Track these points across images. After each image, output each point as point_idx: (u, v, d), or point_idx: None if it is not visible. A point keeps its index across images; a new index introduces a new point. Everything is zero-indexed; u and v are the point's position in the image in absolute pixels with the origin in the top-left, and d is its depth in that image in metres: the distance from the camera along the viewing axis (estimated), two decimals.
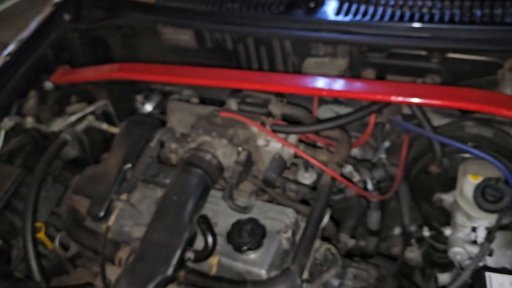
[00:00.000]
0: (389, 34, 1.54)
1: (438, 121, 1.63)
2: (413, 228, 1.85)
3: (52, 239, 1.83)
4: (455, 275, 1.81)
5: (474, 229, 1.45)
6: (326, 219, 1.48)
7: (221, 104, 1.98)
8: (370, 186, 1.58)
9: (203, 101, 2.00)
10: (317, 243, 1.43)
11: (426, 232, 1.74)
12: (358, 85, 1.52)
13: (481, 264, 1.33)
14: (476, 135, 1.57)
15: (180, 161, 1.54)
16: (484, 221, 1.38)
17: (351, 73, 1.74)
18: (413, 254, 1.87)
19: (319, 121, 1.61)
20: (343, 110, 1.81)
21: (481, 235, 1.38)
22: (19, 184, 1.75)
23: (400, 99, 1.43)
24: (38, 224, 1.71)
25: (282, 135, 1.57)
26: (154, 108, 2.05)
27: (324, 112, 1.86)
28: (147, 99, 2.03)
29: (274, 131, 1.55)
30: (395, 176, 1.74)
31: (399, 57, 1.64)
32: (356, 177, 1.65)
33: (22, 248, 1.64)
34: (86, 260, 1.72)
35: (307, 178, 1.66)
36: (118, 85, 2.27)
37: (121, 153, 1.63)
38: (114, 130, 2.04)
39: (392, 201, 1.99)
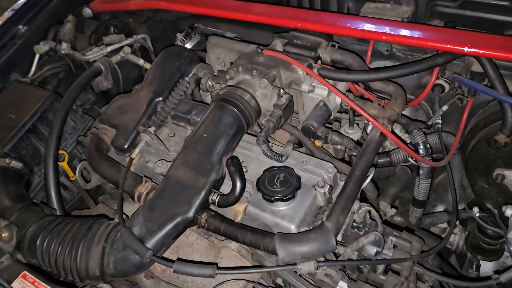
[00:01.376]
0: None
1: None
2: (460, 207, 1.66)
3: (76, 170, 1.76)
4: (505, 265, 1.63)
5: None
6: (369, 179, 1.32)
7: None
8: (422, 150, 1.40)
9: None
10: (356, 204, 1.27)
11: (476, 213, 1.56)
12: (424, 31, 1.32)
13: None
14: None
15: (215, 97, 1.40)
16: None
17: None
18: (456, 237, 1.69)
19: (373, 69, 1.42)
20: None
21: None
22: (47, 108, 1.67)
23: (474, 50, 1.22)
24: (61, 152, 1.64)
25: (330, 82, 1.40)
26: (194, 47, 1.91)
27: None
28: (187, 37, 1.89)
29: (321, 76, 1.38)
30: (450, 145, 1.55)
31: (474, 7, 1.42)
32: (407, 141, 1.47)
33: (43, 163, 1.57)
34: (108, 197, 1.64)
35: (350, 134, 1.49)
36: (159, 22, 2.15)
37: (154, 85, 1.51)
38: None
39: (437, 175, 1.81)
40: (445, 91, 1.55)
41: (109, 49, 1.84)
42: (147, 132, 1.41)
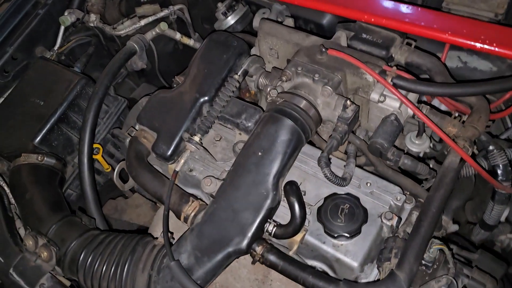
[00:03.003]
0: None
1: None
2: None
3: (110, 155, 1.64)
4: None
5: None
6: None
7: (320, 28, 1.60)
8: (501, 174, 1.23)
9: (297, 21, 1.62)
10: None
11: None
12: None
13: None
14: None
15: (270, 106, 1.22)
16: None
17: (509, 18, 1.28)
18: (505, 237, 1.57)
19: (460, 83, 1.21)
20: (476, 61, 1.39)
21: None
22: (79, 94, 1.52)
23: None
24: (96, 146, 1.51)
25: (402, 91, 1.20)
26: (238, 21, 1.69)
27: (449, 59, 1.45)
28: (230, 9, 1.66)
29: (395, 86, 1.18)
30: None
31: None
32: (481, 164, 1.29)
33: (78, 162, 1.46)
34: None
35: (417, 145, 1.32)
36: None
37: (198, 81, 1.33)
38: (188, 41, 1.73)
39: None
40: None
41: (142, 22, 1.63)
42: (193, 142, 1.26)
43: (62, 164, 1.48)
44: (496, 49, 1.10)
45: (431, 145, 1.34)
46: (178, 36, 1.69)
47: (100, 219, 1.35)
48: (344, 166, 1.23)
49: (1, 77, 1.60)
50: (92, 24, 1.65)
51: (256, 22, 1.62)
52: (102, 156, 1.56)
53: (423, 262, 1.14)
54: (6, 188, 1.40)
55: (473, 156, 1.21)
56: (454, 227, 1.44)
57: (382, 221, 1.14)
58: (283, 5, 1.65)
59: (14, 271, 1.21)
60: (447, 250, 1.14)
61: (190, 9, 1.80)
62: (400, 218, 1.15)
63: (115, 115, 1.64)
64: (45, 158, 1.41)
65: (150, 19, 1.63)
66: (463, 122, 1.21)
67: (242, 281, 1.31)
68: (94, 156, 1.50)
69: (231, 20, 1.68)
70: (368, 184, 1.21)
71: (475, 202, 1.65)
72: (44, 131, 1.46)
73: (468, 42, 1.12)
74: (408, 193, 1.25)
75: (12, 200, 1.39)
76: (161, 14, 1.65)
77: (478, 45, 1.11)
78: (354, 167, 1.23)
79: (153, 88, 1.81)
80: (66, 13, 1.65)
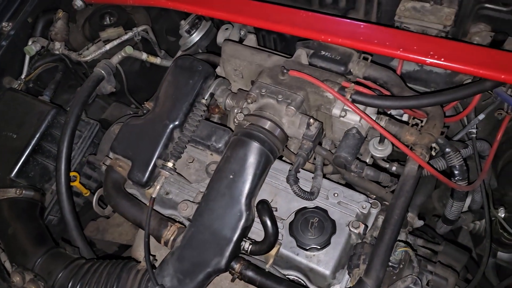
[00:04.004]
0: None
1: None
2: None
3: (88, 177, 1.68)
4: None
5: None
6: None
7: (282, 38, 1.66)
8: (458, 174, 1.32)
9: (260, 32, 1.67)
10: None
11: (501, 213, 1.53)
12: (470, 53, 1.17)
13: None
14: None
15: (238, 129, 1.28)
16: None
17: (457, 27, 1.36)
18: (475, 225, 1.68)
19: (415, 95, 1.29)
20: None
21: None
22: (51, 125, 1.54)
23: None
24: (72, 174, 1.54)
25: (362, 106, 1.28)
26: (202, 38, 1.73)
27: (406, 63, 1.52)
28: (194, 27, 1.70)
29: (354, 101, 1.26)
30: (483, 152, 1.47)
31: None
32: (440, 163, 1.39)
33: (56, 191, 1.50)
34: None
35: (380, 150, 1.40)
36: (161, 11, 1.91)
37: (167, 108, 1.37)
38: (155, 60, 1.76)
39: None
40: (484, 100, 1.43)
41: (108, 47, 1.65)
42: (166, 169, 1.31)
43: (41, 194, 1.51)
44: (444, 63, 1.18)
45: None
46: (144, 56, 1.72)
47: (84, 246, 1.40)
48: (312, 178, 1.31)
49: None
50: (57, 52, 1.66)
51: (219, 38, 1.67)
52: (80, 182, 1.59)
53: (390, 264, 1.23)
54: None
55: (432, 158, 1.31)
56: (419, 223, 1.53)
57: (350, 229, 1.22)
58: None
59: None
60: (411, 251, 1.24)
61: (153, 23, 1.83)
62: (366, 226, 1.24)
63: (89, 139, 1.67)
64: (24, 191, 1.44)
65: (115, 42, 1.65)
66: (421, 127, 1.30)
67: None
68: (72, 183, 1.54)
69: (195, 37, 1.71)
70: (335, 195, 1.28)
71: (441, 189, 1.76)
72: (19, 164, 1.49)
73: (418, 57, 1.19)
74: (374, 197, 1.34)
75: None
76: (126, 36, 1.67)
77: (428, 60, 1.18)
78: (321, 179, 1.30)
79: (124, 107, 1.83)
80: (30, 42, 1.65)
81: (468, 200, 1.74)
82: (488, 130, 1.50)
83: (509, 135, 1.44)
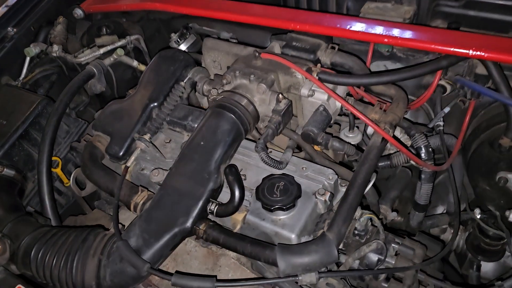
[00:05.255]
0: None
1: None
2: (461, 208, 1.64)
3: (70, 175, 1.72)
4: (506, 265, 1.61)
5: None
6: (370, 184, 1.29)
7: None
8: (424, 154, 1.37)
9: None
10: (358, 211, 1.24)
11: (477, 215, 1.54)
12: (427, 33, 1.28)
13: None
14: None
15: (211, 103, 1.36)
16: None
17: (417, 23, 1.49)
18: (457, 237, 1.67)
19: (375, 73, 1.39)
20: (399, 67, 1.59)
21: None
22: (40, 113, 1.63)
23: (479, 54, 1.19)
24: (55, 159, 1.60)
25: (329, 86, 1.37)
26: (189, 48, 1.87)
27: (376, 68, 1.64)
28: (182, 38, 1.85)
29: (321, 80, 1.35)
30: (451, 147, 1.52)
31: (479, 7, 1.39)
32: (408, 143, 1.44)
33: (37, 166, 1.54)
34: (104, 202, 1.60)
35: (351, 138, 1.46)
36: (153, 22, 2.10)
37: (148, 90, 1.47)
38: (144, 68, 1.88)
39: (438, 175, 1.78)
40: (447, 93, 1.52)
41: (101, 51, 1.79)
42: (142, 140, 1.37)
43: (22, 176, 1.55)
44: (400, 41, 1.29)
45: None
46: (135, 63, 1.85)
47: (55, 219, 1.41)
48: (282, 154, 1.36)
49: None
50: (54, 54, 1.80)
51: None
52: (61, 170, 1.64)
53: (356, 232, 1.24)
54: None
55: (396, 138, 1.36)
56: (393, 215, 1.55)
57: (316, 197, 1.24)
58: (230, 32, 1.85)
59: None
60: (377, 219, 1.24)
61: (147, 42, 1.99)
62: (332, 194, 1.26)
63: (76, 135, 1.74)
64: (5, 169, 1.49)
65: (109, 47, 1.79)
66: (385, 110, 1.37)
67: (193, 271, 1.37)
68: (53, 169, 1.58)
69: (183, 47, 1.86)
70: (304, 169, 1.33)
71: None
72: (6, 146, 1.55)
73: (386, 39, 1.30)
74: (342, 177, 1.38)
75: None
76: (119, 43, 1.82)
77: (386, 39, 1.29)
78: (290, 155, 1.35)
79: None
80: (31, 46, 1.80)
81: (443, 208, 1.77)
82: (455, 125, 1.56)
83: (475, 127, 1.50)
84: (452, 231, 1.65)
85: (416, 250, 1.23)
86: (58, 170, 1.62)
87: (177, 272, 1.14)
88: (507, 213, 1.32)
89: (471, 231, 1.64)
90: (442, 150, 1.47)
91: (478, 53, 1.18)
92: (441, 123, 1.50)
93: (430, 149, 1.38)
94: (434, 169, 1.38)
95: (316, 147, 1.47)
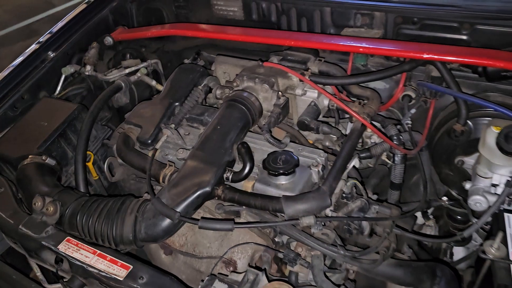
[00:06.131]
0: (423, 2, 1.71)
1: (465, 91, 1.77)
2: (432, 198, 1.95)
3: (99, 169, 2.00)
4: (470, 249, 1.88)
5: (494, 186, 1.56)
6: (353, 163, 1.61)
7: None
8: (396, 140, 1.71)
9: None
10: (345, 177, 1.55)
11: (445, 201, 1.84)
12: (391, 44, 1.68)
13: None
14: (501, 103, 1.68)
15: (225, 98, 1.70)
16: (505, 169, 1.49)
17: None
18: (431, 229, 1.96)
19: (353, 75, 1.76)
20: (372, 82, 1.96)
21: (502, 181, 1.49)
22: (75, 117, 1.93)
23: (430, 56, 1.57)
24: (88, 153, 1.88)
25: (320, 87, 1.72)
26: None
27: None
28: (194, 61, 2.22)
29: (312, 81, 1.71)
30: (418, 142, 1.86)
31: (431, 28, 1.79)
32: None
33: (71, 173, 1.82)
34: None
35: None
36: (166, 53, 2.48)
37: (172, 93, 1.81)
38: (161, 87, 2.23)
39: (411, 177, 2.10)
40: (413, 99, 1.88)
41: (127, 71, 2.14)
42: (168, 127, 1.68)
43: (60, 167, 1.82)
44: (372, 50, 1.67)
45: None
46: (153, 83, 2.20)
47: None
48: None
49: (11, 111, 2.00)
50: (87, 73, 2.14)
51: (213, 67, 2.18)
52: (92, 164, 1.92)
53: (344, 195, 1.53)
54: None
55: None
56: (374, 197, 1.84)
57: (311, 168, 1.55)
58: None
59: (23, 226, 1.48)
60: (360, 185, 1.55)
61: (164, 68, 2.35)
62: (324, 166, 1.57)
63: (102, 140, 2.04)
64: (48, 159, 1.76)
65: (133, 68, 2.15)
66: (363, 106, 1.73)
67: (208, 238, 1.63)
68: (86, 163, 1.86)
69: None
70: (300, 150, 1.64)
71: None
72: (47, 142, 1.83)
73: (360, 49, 1.68)
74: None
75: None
76: (141, 65, 2.17)
77: (361, 49, 1.67)
78: (289, 140, 1.67)
79: None
80: (67, 66, 2.14)
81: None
82: (421, 122, 1.91)
83: (436, 124, 1.85)
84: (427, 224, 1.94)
85: (392, 210, 1.53)
86: (89, 164, 1.90)
87: (202, 217, 1.41)
88: (463, 183, 1.63)
89: (442, 219, 1.94)
90: (411, 143, 1.81)
91: (430, 55, 1.57)
92: (409, 122, 1.85)
93: (400, 136, 1.72)
94: (404, 152, 1.71)
95: (310, 141, 1.80)
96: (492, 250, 1.25)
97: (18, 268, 1.56)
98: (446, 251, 1.97)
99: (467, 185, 1.61)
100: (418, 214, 1.99)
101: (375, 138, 1.78)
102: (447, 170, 1.83)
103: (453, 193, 1.90)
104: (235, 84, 1.76)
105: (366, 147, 1.82)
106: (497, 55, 1.54)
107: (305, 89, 1.74)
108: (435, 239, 1.56)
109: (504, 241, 1.30)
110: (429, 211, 1.99)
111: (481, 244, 1.30)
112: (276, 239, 1.58)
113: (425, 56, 1.58)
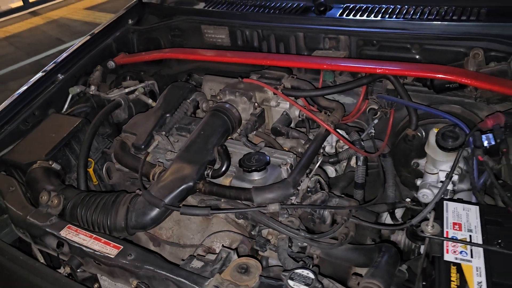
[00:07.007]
0: (379, 27, 1.99)
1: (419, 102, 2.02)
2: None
3: (99, 177, 2.24)
4: None
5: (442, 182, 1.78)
6: (318, 163, 1.84)
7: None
8: (357, 145, 1.95)
9: None
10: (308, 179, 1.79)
11: (408, 203, 2.06)
12: (353, 61, 1.95)
13: None
14: (448, 111, 1.93)
15: (209, 109, 1.97)
16: (446, 164, 1.72)
17: None
18: (400, 236, 2.16)
19: (319, 88, 2.03)
20: (343, 98, 2.23)
21: (443, 175, 1.72)
22: (79, 129, 2.20)
23: (383, 69, 1.84)
24: (89, 160, 2.13)
25: (291, 99, 1.99)
26: None
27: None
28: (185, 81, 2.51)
29: (283, 94, 1.97)
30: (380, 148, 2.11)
31: (388, 49, 2.07)
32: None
33: (74, 179, 2.06)
34: None
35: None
36: (163, 77, 2.77)
37: (164, 105, 2.08)
38: None
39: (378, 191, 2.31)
40: (376, 112, 2.13)
41: (126, 90, 2.42)
42: (159, 134, 1.94)
43: (64, 172, 2.07)
44: (337, 66, 1.95)
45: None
46: (150, 101, 2.47)
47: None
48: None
49: (23, 125, 2.26)
50: (91, 92, 2.42)
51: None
52: (93, 171, 2.17)
53: (308, 189, 1.76)
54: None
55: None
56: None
57: (281, 167, 1.79)
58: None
59: (30, 217, 1.72)
60: (322, 180, 1.78)
61: (160, 90, 2.64)
62: (292, 165, 1.81)
63: (102, 150, 2.30)
64: (54, 163, 2.01)
65: (132, 88, 2.43)
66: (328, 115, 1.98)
67: (192, 231, 1.85)
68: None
69: None
70: (272, 152, 1.88)
71: None
72: (54, 150, 2.09)
73: (324, 66, 1.96)
74: None
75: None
76: (139, 85, 2.45)
77: (325, 66, 1.95)
78: (263, 144, 1.92)
79: None
80: (74, 86, 2.43)
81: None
82: (384, 130, 2.15)
83: (397, 131, 2.10)
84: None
85: (351, 201, 1.75)
86: (90, 170, 2.15)
87: (183, 205, 1.64)
88: (415, 180, 1.86)
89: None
90: (374, 149, 2.06)
91: (383, 68, 1.83)
92: (373, 130, 2.10)
93: (362, 142, 1.96)
94: (365, 155, 1.95)
95: (285, 148, 2.05)
96: (428, 228, 1.46)
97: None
98: (415, 251, 2.16)
99: (418, 182, 1.84)
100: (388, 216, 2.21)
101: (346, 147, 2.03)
102: (405, 172, 2.06)
103: (414, 193, 2.12)
104: (218, 97, 2.04)
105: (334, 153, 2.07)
106: (438, 68, 1.80)
107: (278, 101, 2.00)
108: (388, 227, 1.77)
109: (442, 223, 1.51)
110: (399, 213, 2.20)
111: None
112: (253, 233, 1.80)
113: (378, 70, 1.85)
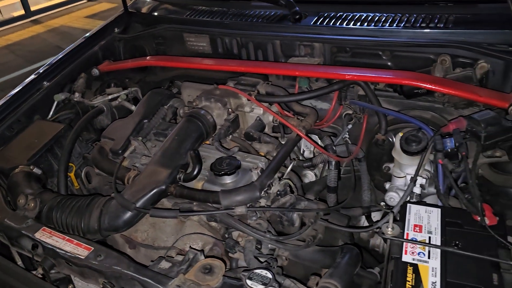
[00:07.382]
0: (351, 34, 2.05)
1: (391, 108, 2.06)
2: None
3: (82, 182, 2.30)
4: None
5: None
6: (289, 168, 1.89)
7: None
8: (330, 149, 1.99)
9: None
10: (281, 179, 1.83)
11: (382, 205, 2.10)
12: (324, 68, 2.00)
13: None
14: (419, 116, 1.97)
15: (184, 114, 2.02)
16: (410, 168, 1.76)
17: None
18: (378, 240, 2.20)
19: (291, 94, 2.08)
20: (320, 104, 2.28)
21: (408, 178, 1.76)
22: (62, 135, 2.25)
23: (351, 76, 1.89)
24: (70, 165, 2.19)
25: (265, 105, 2.04)
26: None
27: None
28: (168, 88, 2.56)
29: (257, 99, 2.02)
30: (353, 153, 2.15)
31: (361, 56, 2.12)
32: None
33: (56, 184, 2.12)
34: None
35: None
36: (147, 83, 2.83)
37: (142, 111, 2.14)
38: None
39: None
40: (352, 121, 2.18)
41: (110, 97, 2.48)
42: (136, 139, 2.00)
43: (46, 177, 2.13)
44: (310, 73, 2.00)
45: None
46: (133, 108, 2.52)
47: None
48: None
49: (8, 131, 2.32)
50: (76, 99, 2.48)
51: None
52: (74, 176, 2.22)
53: (278, 192, 1.80)
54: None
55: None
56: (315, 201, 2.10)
57: (251, 171, 1.83)
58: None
59: (7, 219, 1.77)
60: (291, 183, 1.83)
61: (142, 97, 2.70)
62: (263, 169, 1.85)
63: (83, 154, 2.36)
64: (35, 168, 2.07)
65: (115, 94, 2.49)
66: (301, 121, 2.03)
67: (166, 234, 1.90)
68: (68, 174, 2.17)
69: None
70: (245, 157, 1.93)
71: None
72: (36, 156, 2.15)
73: (297, 72, 2.01)
74: None
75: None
76: (123, 92, 2.51)
77: (297, 72, 2.00)
78: (237, 149, 1.96)
79: None
80: (59, 94, 2.49)
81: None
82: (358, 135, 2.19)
83: (370, 137, 2.14)
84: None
85: (319, 204, 1.79)
86: (71, 174, 2.20)
87: (153, 207, 1.69)
88: (384, 184, 1.90)
89: None
90: (347, 153, 2.10)
91: (352, 74, 1.88)
92: (347, 136, 2.15)
93: (334, 147, 2.01)
94: (337, 159, 1.99)
95: (261, 153, 2.09)
96: (388, 230, 1.50)
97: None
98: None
99: (387, 185, 1.88)
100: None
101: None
102: (378, 176, 2.10)
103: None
104: (194, 103, 2.09)
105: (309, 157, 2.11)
106: (405, 75, 1.84)
107: (252, 107, 2.05)
108: (356, 229, 1.81)
109: (403, 225, 1.55)
110: (377, 217, 2.23)
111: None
112: (226, 235, 1.84)
113: (347, 76, 1.89)
